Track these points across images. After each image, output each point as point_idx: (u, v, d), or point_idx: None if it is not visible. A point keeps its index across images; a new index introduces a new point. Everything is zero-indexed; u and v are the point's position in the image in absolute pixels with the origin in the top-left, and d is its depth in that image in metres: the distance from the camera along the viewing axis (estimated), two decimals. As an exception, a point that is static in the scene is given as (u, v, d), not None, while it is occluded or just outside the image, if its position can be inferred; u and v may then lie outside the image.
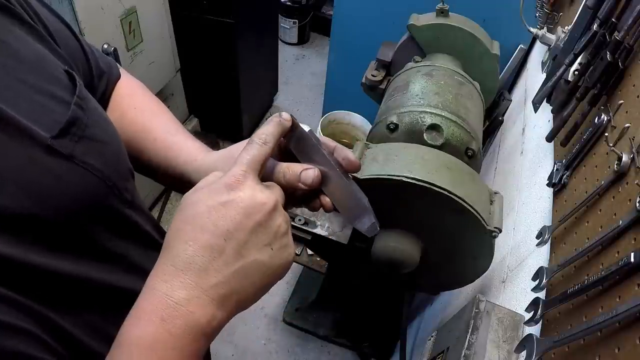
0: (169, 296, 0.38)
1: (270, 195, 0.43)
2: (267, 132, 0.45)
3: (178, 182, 0.60)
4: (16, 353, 0.35)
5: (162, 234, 0.60)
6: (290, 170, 0.48)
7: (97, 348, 0.44)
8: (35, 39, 0.47)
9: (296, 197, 0.52)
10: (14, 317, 0.35)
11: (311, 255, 2.17)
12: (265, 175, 0.47)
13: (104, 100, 0.62)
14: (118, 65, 0.66)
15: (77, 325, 0.42)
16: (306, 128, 0.49)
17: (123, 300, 0.47)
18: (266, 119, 2.84)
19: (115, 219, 0.49)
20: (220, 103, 2.44)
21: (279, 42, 2.95)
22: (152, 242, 0.56)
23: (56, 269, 0.40)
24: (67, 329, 0.41)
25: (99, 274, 0.45)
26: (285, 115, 0.47)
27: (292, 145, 0.50)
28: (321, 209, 0.53)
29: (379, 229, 0.52)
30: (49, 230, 0.40)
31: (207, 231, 0.39)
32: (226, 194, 0.41)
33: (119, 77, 0.65)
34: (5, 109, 0.37)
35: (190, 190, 0.43)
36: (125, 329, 0.39)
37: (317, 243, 1.18)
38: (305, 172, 0.48)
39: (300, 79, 3.34)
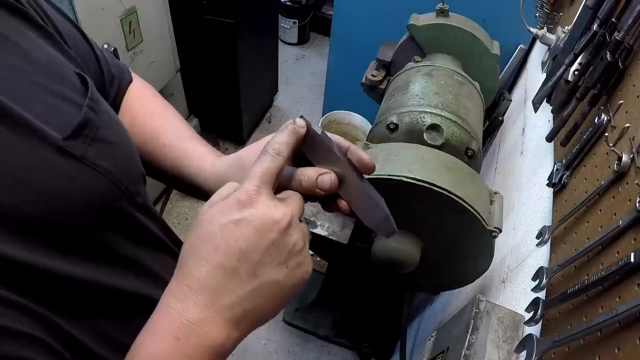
0: (184, 315, 0.38)
1: (286, 210, 0.41)
2: (281, 141, 0.43)
3: (188, 188, 0.60)
4: (20, 359, 0.34)
5: (172, 237, 0.59)
6: (306, 177, 0.46)
7: (105, 355, 0.44)
8: (47, 42, 0.47)
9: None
10: (20, 322, 0.35)
11: (311, 255, 2.17)
12: (281, 182, 0.45)
13: (115, 105, 0.61)
14: (130, 69, 0.66)
15: (85, 332, 0.42)
16: (318, 130, 0.47)
17: (134, 305, 0.47)
18: (266, 119, 2.81)
19: (126, 222, 0.48)
20: (220, 103, 2.44)
21: (279, 42, 2.95)
22: (162, 246, 0.56)
23: (66, 272, 0.40)
24: (75, 336, 0.40)
25: (109, 278, 0.45)
26: (300, 122, 0.44)
27: (304, 147, 0.48)
28: (322, 208, 0.52)
29: (396, 230, 0.50)
30: (60, 232, 0.39)
31: (220, 251, 0.39)
32: (238, 212, 0.39)
33: (130, 81, 0.64)
34: (18, 109, 0.37)
35: (205, 205, 0.42)
36: (138, 344, 0.39)
37: (317, 243, 1.18)
38: (322, 178, 0.46)
39: (300, 79, 3.34)
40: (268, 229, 0.39)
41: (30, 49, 0.43)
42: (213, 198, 0.42)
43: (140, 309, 0.45)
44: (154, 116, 0.63)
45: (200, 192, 0.58)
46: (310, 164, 0.48)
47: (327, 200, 0.50)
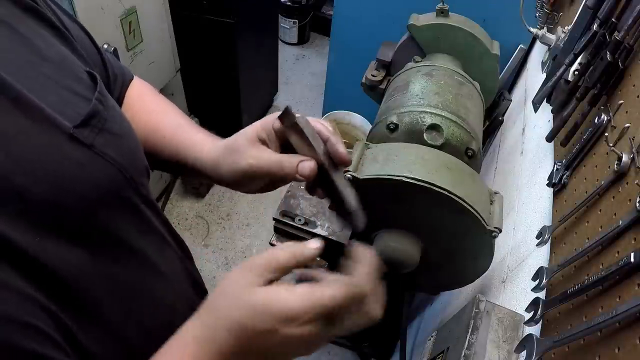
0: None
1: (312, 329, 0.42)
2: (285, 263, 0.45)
3: (190, 173, 0.63)
4: (31, 353, 0.35)
5: (172, 233, 0.61)
6: (289, 163, 0.51)
7: (103, 354, 0.44)
8: (60, 41, 0.49)
9: None
10: (30, 315, 0.36)
11: (311, 255, 2.17)
12: (268, 167, 0.51)
13: (118, 103, 0.64)
14: (129, 69, 0.69)
15: (86, 328, 0.42)
16: (302, 119, 0.51)
17: (137, 297, 0.49)
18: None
19: (132, 212, 0.50)
20: (220, 103, 2.44)
21: (279, 42, 2.95)
22: (164, 240, 0.58)
23: (71, 260, 0.40)
24: (74, 331, 0.41)
25: (116, 268, 0.46)
26: (314, 245, 0.46)
27: (289, 135, 0.52)
28: (305, 189, 0.57)
29: (361, 227, 0.54)
30: (69, 219, 0.41)
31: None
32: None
33: (131, 79, 0.67)
34: (33, 97, 0.39)
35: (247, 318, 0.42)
36: None
37: (317, 243, 1.18)
38: (302, 165, 0.51)
39: (300, 79, 3.34)
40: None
41: (44, 46, 0.46)
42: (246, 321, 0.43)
43: (143, 301, 0.47)
44: (153, 113, 0.66)
45: (201, 175, 0.62)
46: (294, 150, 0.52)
47: (309, 184, 0.55)
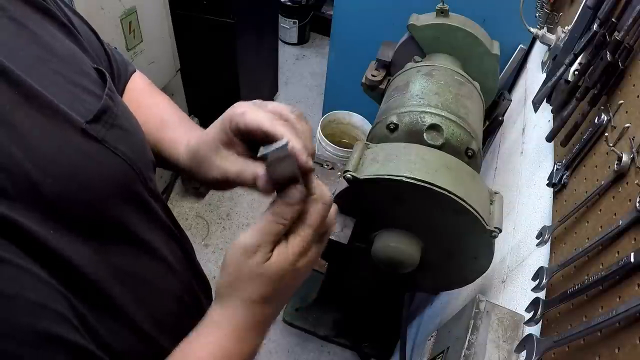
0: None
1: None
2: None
3: (173, 170, 0.63)
4: (57, 337, 0.36)
5: (177, 226, 0.62)
6: (246, 177, 0.49)
7: (116, 342, 0.45)
8: (67, 38, 0.50)
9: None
10: (53, 302, 0.36)
11: (311, 255, 2.17)
12: (232, 180, 0.50)
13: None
14: (132, 63, 0.70)
15: (99, 318, 0.43)
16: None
17: (148, 288, 0.50)
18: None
19: (141, 206, 0.51)
20: (220, 103, 2.43)
21: (279, 42, 2.95)
22: (170, 232, 0.58)
23: (85, 253, 0.41)
24: (89, 320, 0.41)
25: (126, 260, 0.47)
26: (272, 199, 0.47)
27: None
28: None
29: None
30: (83, 212, 0.41)
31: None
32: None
33: (133, 72, 0.69)
34: (44, 92, 0.40)
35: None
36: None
37: (317, 243, 1.18)
38: (258, 183, 0.47)
39: (300, 79, 3.34)
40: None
41: (53, 42, 0.46)
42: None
43: (153, 292, 0.48)
44: (141, 108, 0.65)
45: (184, 173, 0.61)
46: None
47: None
